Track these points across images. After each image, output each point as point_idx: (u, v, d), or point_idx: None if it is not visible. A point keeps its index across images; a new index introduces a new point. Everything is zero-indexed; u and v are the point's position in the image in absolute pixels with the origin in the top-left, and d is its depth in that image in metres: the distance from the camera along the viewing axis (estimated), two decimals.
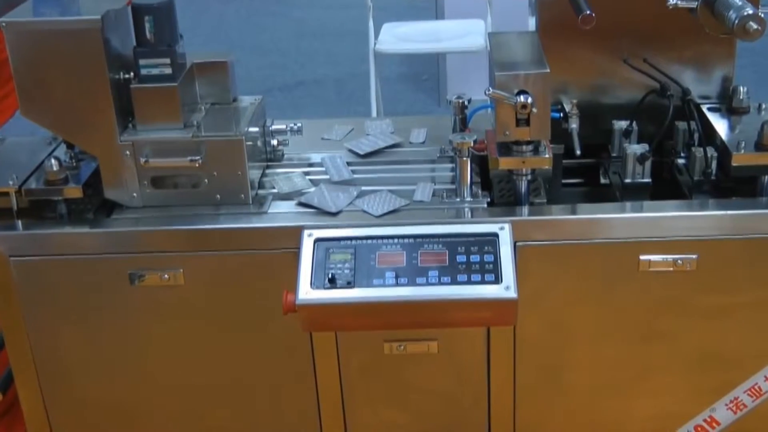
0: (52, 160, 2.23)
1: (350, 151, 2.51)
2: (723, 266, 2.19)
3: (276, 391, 2.37)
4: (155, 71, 2.20)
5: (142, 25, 2.18)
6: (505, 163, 2.19)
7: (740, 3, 2.08)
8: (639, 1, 2.38)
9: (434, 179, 2.36)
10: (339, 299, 2.05)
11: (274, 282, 2.16)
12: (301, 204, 2.26)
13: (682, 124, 2.41)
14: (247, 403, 2.38)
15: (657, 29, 2.40)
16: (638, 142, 2.38)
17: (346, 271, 2.08)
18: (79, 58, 2.11)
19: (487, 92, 2.13)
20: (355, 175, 2.38)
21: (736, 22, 2.07)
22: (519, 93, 2.10)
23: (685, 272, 2.18)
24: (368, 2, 4.67)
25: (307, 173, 2.41)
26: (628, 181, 2.32)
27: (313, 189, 2.32)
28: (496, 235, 2.11)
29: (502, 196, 2.29)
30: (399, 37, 4.70)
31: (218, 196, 2.26)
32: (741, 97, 2.41)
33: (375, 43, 4.61)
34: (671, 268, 2.18)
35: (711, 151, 2.27)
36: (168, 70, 2.20)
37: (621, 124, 2.44)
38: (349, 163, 2.44)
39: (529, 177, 2.24)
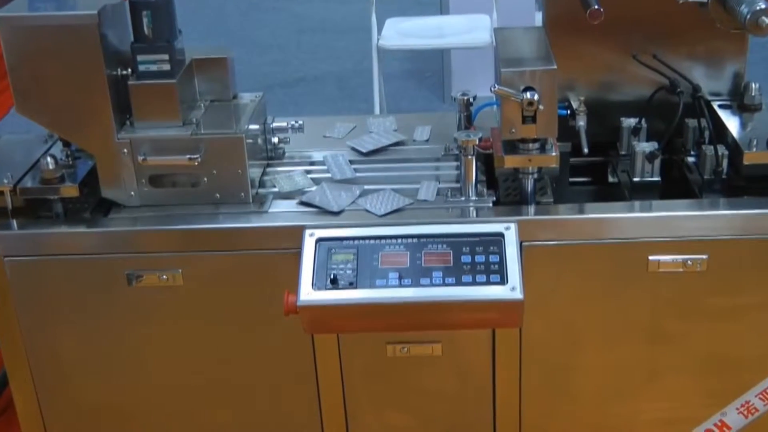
0: (48, 159, 2.21)
1: (352, 149, 2.50)
2: (734, 267, 2.17)
3: (277, 394, 2.35)
4: (153, 67, 2.19)
5: (139, 20, 2.17)
6: (510, 162, 2.18)
7: None
8: None
9: (438, 178, 2.34)
10: (341, 300, 2.04)
11: (275, 283, 2.15)
12: (302, 203, 2.25)
13: (692, 122, 2.40)
14: (247, 406, 2.37)
15: (667, 24, 2.39)
16: (647, 140, 2.38)
17: (349, 272, 2.06)
18: (76, 54, 2.10)
19: (492, 89, 2.12)
20: (358, 174, 2.37)
21: (749, 16, 2.06)
22: (525, 90, 2.09)
23: (695, 273, 2.17)
24: None
25: (308, 172, 2.40)
26: (636, 179, 2.31)
27: (314, 188, 2.31)
28: (501, 235, 2.10)
29: (507, 195, 2.27)
30: (402, 32, 4.68)
31: (218, 195, 2.24)
32: (753, 94, 2.41)
33: (378, 39, 4.59)
34: (681, 269, 2.17)
35: (722, 150, 2.26)
36: (166, 67, 2.19)
37: (630, 122, 2.43)
38: (351, 162, 2.43)
39: (536, 175, 2.22)
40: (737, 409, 2.23)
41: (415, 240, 2.10)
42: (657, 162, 2.29)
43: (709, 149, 2.26)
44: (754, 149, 2.19)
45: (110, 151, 2.19)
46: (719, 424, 2.25)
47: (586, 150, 2.22)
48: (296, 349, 2.27)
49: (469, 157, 2.19)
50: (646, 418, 2.36)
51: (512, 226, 2.10)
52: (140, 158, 2.18)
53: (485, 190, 2.25)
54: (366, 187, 2.29)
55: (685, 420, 2.30)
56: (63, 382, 2.34)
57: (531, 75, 2.09)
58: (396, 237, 2.11)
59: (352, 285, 2.04)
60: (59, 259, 2.19)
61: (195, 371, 2.32)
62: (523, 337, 2.25)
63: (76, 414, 2.38)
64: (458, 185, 2.27)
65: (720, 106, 2.42)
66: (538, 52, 2.22)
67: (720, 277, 2.18)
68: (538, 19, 2.48)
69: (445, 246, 2.09)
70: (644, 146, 2.30)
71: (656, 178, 2.30)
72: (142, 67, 2.18)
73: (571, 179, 2.50)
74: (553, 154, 2.17)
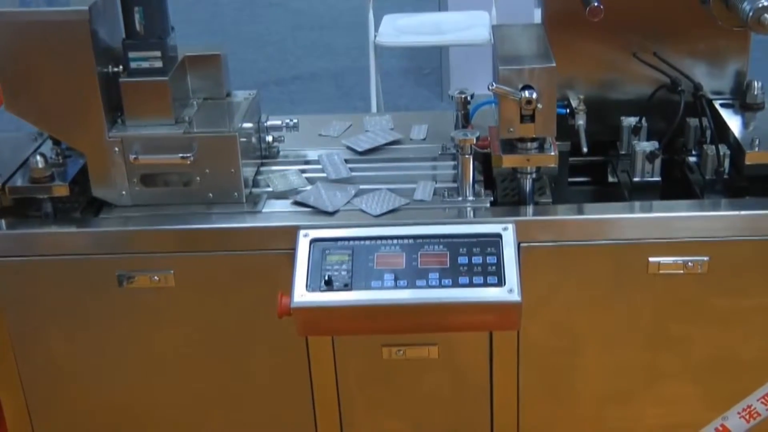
0: (38, 157, 2.20)
1: (348, 148, 2.49)
2: (736, 268, 2.17)
3: (270, 398, 2.34)
4: (145, 64, 2.18)
5: (131, 16, 2.16)
6: (508, 161, 2.17)
7: None
8: None
9: (435, 177, 2.33)
10: (336, 302, 2.02)
11: (269, 284, 2.13)
12: (296, 203, 2.24)
13: (693, 121, 2.39)
14: (240, 409, 2.35)
15: (668, 22, 2.39)
16: (648, 140, 2.38)
17: (344, 273, 2.05)
18: (66, 51, 2.08)
19: (490, 87, 2.11)
20: (353, 173, 2.36)
21: (751, 14, 2.06)
22: (524, 88, 2.08)
23: (696, 275, 2.16)
24: None
25: (303, 171, 2.39)
26: (637, 179, 2.31)
27: (309, 187, 2.30)
28: (499, 235, 2.09)
29: (505, 195, 2.26)
30: (400, 29, 4.68)
31: (210, 194, 2.23)
32: (755, 93, 2.41)
33: (375, 36, 4.59)
34: (682, 271, 2.16)
35: (723, 149, 2.25)
36: (158, 64, 2.18)
37: (630, 121, 2.42)
38: (347, 161, 2.42)
39: (534, 175, 2.21)
40: (739, 413, 2.20)
41: (411, 241, 2.09)
42: (657, 162, 2.28)
43: (710, 149, 2.26)
44: (757, 149, 2.19)
45: (101, 150, 2.17)
46: (720, 428, 2.23)
47: (585, 149, 2.21)
48: (290, 351, 2.25)
49: (467, 156, 2.18)
50: (646, 422, 2.35)
51: (510, 226, 2.09)
52: (132, 157, 2.16)
53: (483, 190, 2.24)
54: (361, 186, 2.28)
55: (686, 424, 2.32)
56: (52, 385, 2.33)
57: (530, 73, 2.08)
58: (392, 238, 2.10)
59: (347, 286, 2.03)
60: (49, 260, 2.18)
61: (187, 374, 2.31)
62: (521, 339, 2.24)
63: (65, 417, 2.37)
64: (455, 185, 2.26)
65: (722, 105, 2.42)
66: (537, 50, 2.21)
67: (721, 279, 2.17)
68: (537, 16, 2.47)
69: (441, 247, 2.08)
70: (645, 146, 2.30)
71: (657, 178, 2.30)
72: (133, 64, 2.17)
73: (570, 179, 2.49)
74: (552, 153, 2.16)
